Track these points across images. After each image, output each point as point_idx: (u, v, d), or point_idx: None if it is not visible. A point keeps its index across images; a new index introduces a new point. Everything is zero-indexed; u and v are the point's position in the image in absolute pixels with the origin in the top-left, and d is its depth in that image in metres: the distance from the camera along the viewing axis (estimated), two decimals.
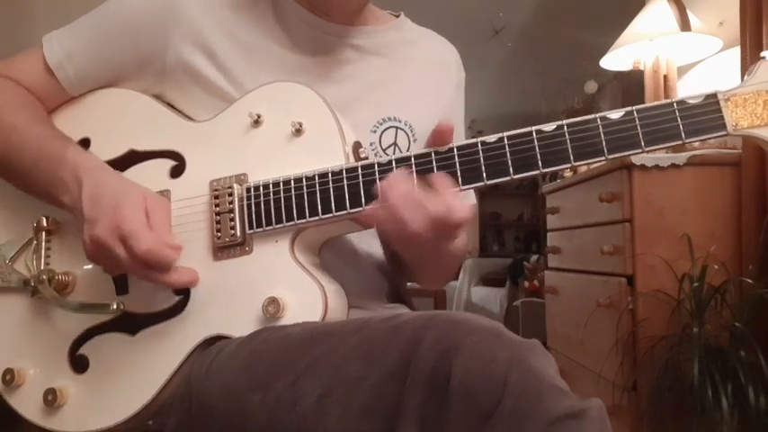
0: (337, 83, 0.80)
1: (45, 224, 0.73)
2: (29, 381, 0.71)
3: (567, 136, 0.61)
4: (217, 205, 0.69)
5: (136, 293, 0.70)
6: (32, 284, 0.71)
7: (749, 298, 1.39)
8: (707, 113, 0.59)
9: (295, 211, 0.66)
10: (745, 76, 0.60)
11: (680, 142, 0.60)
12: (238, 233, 0.67)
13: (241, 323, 0.65)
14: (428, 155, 0.64)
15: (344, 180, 0.65)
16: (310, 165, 0.67)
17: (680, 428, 1.36)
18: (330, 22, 0.80)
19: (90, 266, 0.72)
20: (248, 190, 0.68)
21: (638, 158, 1.52)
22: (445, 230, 0.61)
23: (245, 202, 0.68)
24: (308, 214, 0.66)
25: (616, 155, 0.60)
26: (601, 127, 0.60)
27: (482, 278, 5.24)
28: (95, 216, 0.64)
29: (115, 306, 0.67)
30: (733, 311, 1.39)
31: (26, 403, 0.70)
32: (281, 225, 0.67)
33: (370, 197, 0.64)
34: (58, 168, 0.69)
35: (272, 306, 0.64)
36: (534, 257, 4.21)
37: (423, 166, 0.64)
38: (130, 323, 0.69)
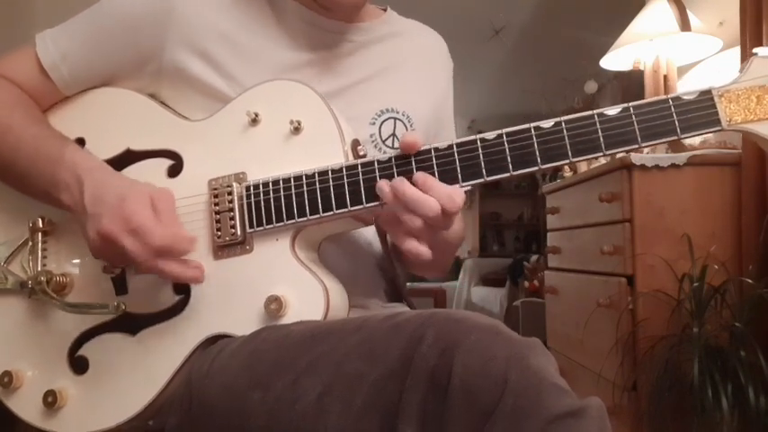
0: (335, 77, 0.80)
1: (41, 225, 0.73)
2: (27, 383, 0.70)
3: (565, 132, 0.61)
4: (216, 204, 0.69)
5: (135, 294, 0.70)
6: (30, 286, 0.71)
7: (749, 298, 1.39)
8: (702, 109, 0.60)
9: (296, 209, 0.66)
10: (738, 73, 0.61)
11: (675, 138, 0.60)
12: (239, 232, 0.67)
13: (243, 322, 0.65)
14: (428, 152, 0.64)
15: (345, 178, 0.65)
16: (309, 163, 0.67)
17: (680, 428, 1.36)
18: (329, 19, 0.80)
19: (87, 267, 0.72)
20: (248, 188, 0.68)
21: (638, 158, 1.52)
22: (443, 220, 0.62)
23: (244, 201, 0.68)
24: (308, 212, 0.66)
25: (613, 150, 0.61)
26: (598, 123, 0.61)
27: (482, 278, 5.25)
28: (100, 211, 0.64)
29: (115, 306, 0.67)
30: (733, 311, 1.39)
31: (25, 405, 0.70)
32: (281, 223, 0.66)
33: (371, 195, 0.64)
34: (56, 168, 0.68)
35: (275, 304, 0.63)
36: (534, 257, 4.21)
37: (422, 164, 0.64)
38: (130, 323, 0.69)
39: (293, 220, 0.66)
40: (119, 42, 0.76)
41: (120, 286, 0.70)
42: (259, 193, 0.68)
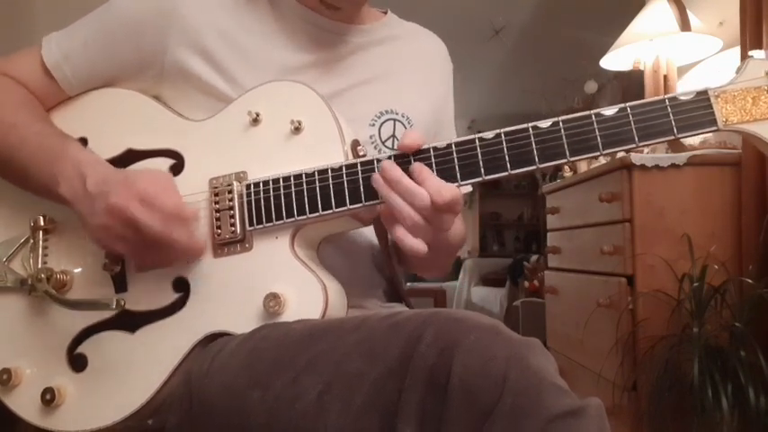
0: (336, 78, 0.80)
1: (42, 223, 0.73)
2: (26, 380, 0.70)
3: (563, 132, 0.62)
4: (216, 202, 0.69)
5: (134, 291, 0.70)
6: (30, 283, 0.71)
7: (749, 298, 1.39)
8: (698, 109, 0.61)
9: (295, 208, 0.66)
10: (734, 74, 0.62)
11: (672, 137, 0.61)
12: (238, 230, 0.68)
13: (242, 319, 0.65)
14: (426, 151, 0.65)
15: (344, 176, 0.66)
16: (309, 163, 0.67)
17: (680, 428, 1.36)
18: (330, 20, 0.81)
19: (88, 265, 0.72)
20: (248, 187, 0.68)
21: (638, 158, 1.52)
22: (437, 214, 0.62)
23: (244, 199, 0.68)
24: (308, 210, 0.66)
25: (611, 150, 0.62)
26: (595, 123, 0.62)
27: (482, 278, 5.25)
28: (106, 190, 0.64)
29: (116, 303, 0.67)
30: (733, 311, 1.39)
31: (23, 403, 0.70)
32: (281, 221, 0.67)
33: (370, 193, 0.64)
34: (57, 163, 0.68)
35: (273, 301, 0.64)
36: (534, 257, 4.21)
37: (422, 162, 0.64)
38: (130, 321, 0.69)
39: (293, 219, 0.66)
40: (121, 44, 0.77)
41: (120, 284, 0.70)
42: (259, 191, 0.68)
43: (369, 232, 0.82)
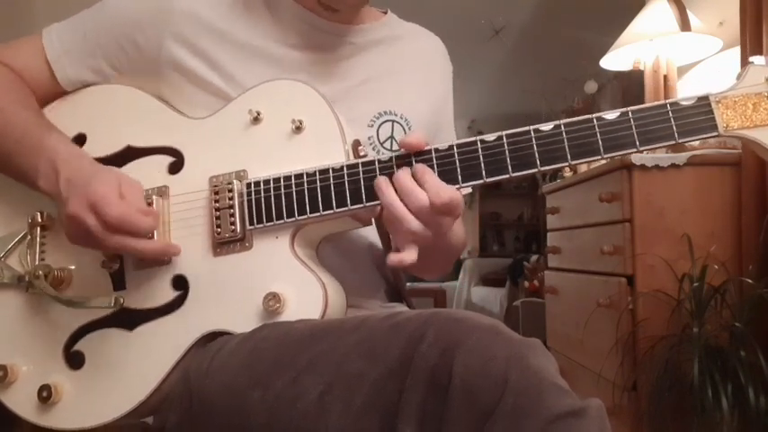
0: (334, 79, 0.80)
1: (40, 220, 0.73)
2: (22, 377, 0.70)
3: (565, 135, 0.62)
4: (216, 201, 0.69)
5: (133, 289, 0.70)
6: (27, 280, 0.71)
7: (749, 298, 1.38)
8: (699, 115, 0.62)
9: (296, 207, 0.66)
10: (735, 80, 0.63)
11: (673, 142, 0.62)
12: (238, 229, 0.67)
13: (241, 318, 0.65)
14: (428, 152, 0.65)
15: (345, 177, 0.66)
16: (310, 162, 0.67)
17: (680, 428, 1.36)
18: (328, 21, 0.80)
19: (85, 262, 0.72)
20: (248, 186, 0.68)
21: (637, 158, 1.52)
22: (435, 216, 0.62)
23: (245, 198, 0.68)
24: (308, 210, 0.66)
25: (612, 154, 0.62)
26: (597, 127, 0.62)
27: (482, 278, 5.24)
28: (68, 195, 0.65)
29: (114, 301, 0.67)
30: (733, 311, 1.39)
31: (20, 400, 0.70)
32: (281, 221, 0.67)
33: (371, 194, 0.64)
34: (36, 154, 0.69)
35: (273, 301, 0.64)
36: (534, 257, 4.21)
37: (423, 164, 0.64)
38: (128, 318, 0.69)
39: (293, 218, 0.66)
40: (119, 39, 0.77)
41: (119, 281, 0.70)
42: (260, 190, 0.68)
43: (368, 232, 0.82)
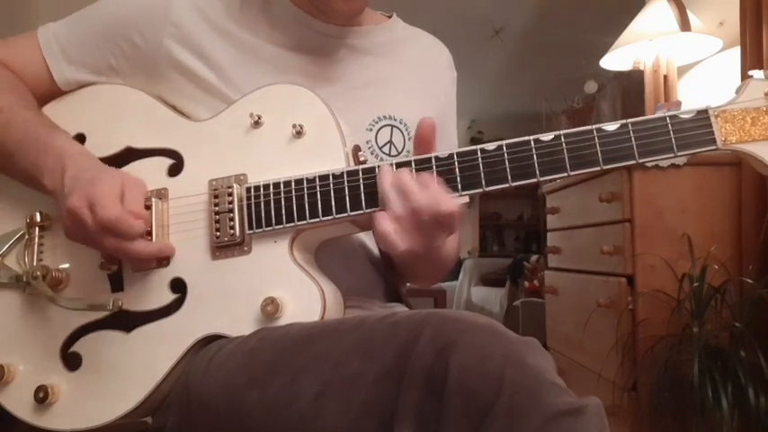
0: (332, 82, 0.80)
1: (38, 220, 0.73)
2: (19, 378, 0.70)
3: (565, 146, 0.63)
4: (216, 204, 0.69)
5: (131, 291, 0.70)
6: (25, 280, 0.71)
7: (749, 298, 1.38)
8: (698, 128, 0.62)
9: (295, 213, 0.66)
10: (735, 94, 0.63)
11: (672, 155, 0.62)
12: (237, 233, 0.67)
13: (238, 322, 0.65)
14: (428, 160, 0.65)
15: (345, 182, 0.65)
16: (310, 167, 0.67)
17: (680, 428, 1.36)
18: (326, 23, 0.80)
19: (84, 263, 0.71)
20: (248, 190, 0.68)
21: None
22: (433, 224, 0.61)
23: (244, 203, 0.68)
24: (308, 216, 0.66)
25: (611, 165, 0.62)
26: (597, 138, 0.63)
27: (482, 278, 5.24)
28: (71, 190, 0.64)
29: (112, 304, 0.67)
30: (733, 311, 1.39)
31: (16, 401, 0.69)
32: (281, 226, 0.67)
33: (371, 200, 0.64)
34: (42, 153, 0.69)
35: (271, 306, 0.64)
36: (534, 257, 4.21)
37: (423, 172, 0.64)
38: (125, 320, 0.69)
39: (293, 224, 0.66)
40: (117, 39, 0.77)
41: (117, 283, 0.70)
42: (260, 195, 0.68)
43: (366, 232, 0.82)
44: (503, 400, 0.46)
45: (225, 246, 0.68)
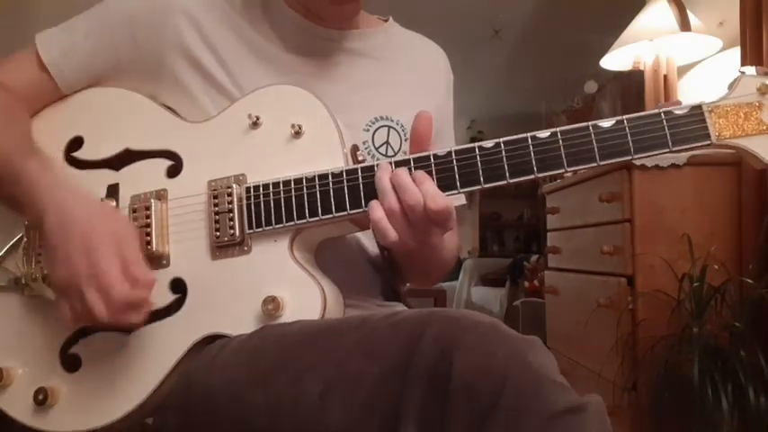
0: (330, 83, 0.81)
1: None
2: (18, 380, 0.70)
3: (561, 143, 0.63)
4: (216, 205, 0.69)
5: None
6: (24, 282, 0.71)
7: (749, 298, 1.38)
8: (692, 123, 0.63)
9: (295, 212, 0.66)
10: (727, 90, 0.64)
11: (667, 151, 0.63)
12: (237, 232, 0.68)
13: (239, 322, 0.65)
14: (427, 158, 0.65)
15: (344, 181, 0.66)
16: (309, 167, 0.67)
17: (680, 428, 1.36)
18: (322, 27, 0.81)
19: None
20: (248, 190, 0.68)
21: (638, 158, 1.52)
22: (426, 220, 0.62)
23: (244, 202, 0.68)
24: (307, 215, 0.66)
25: (607, 161, 0.63)
26: (593, 135, 0.63)
27: (482, 278, 5.24)
28: (66, 252, 0.61)
29: None
30: (733, 311, 1.39)
31: (15, 403, 0.69)
32: (280, 225, 0.67)
33: (370, 198, 0.64)
34: (14, 183, 0.66)
35: (271, 305, 0.64)
36: (534, 257, 4.21)
37: (422, 170, 0.64)
38: None
39: (292, 223, 0.66)
40: (118, 41, 0.77)
41: None
42: (259, 194, 0.68)
43: (365, 232, 0.82)
44: (505, 398, 0.46)
45: (225, 246, 0.68)
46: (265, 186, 0.68)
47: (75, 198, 0.66)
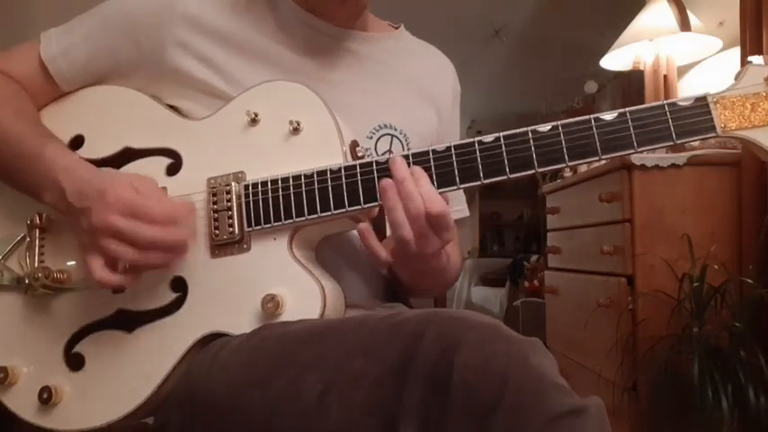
0: (335, 86, 0.80)
1: (38, 222, 0.73)
2: (23, 379, 0.70)
3: (563, 136, 0.62)
4: (215, 203, 0.69)
5: (132, 291, 0.69)
6: (27, 282, 0.71)
7: (749, 298, 1.38)
8: (697, 115, 0.61)
9: (294, 209, 0.66)
10: (734, 80, 0.62)
11: (671, 143, 0.61)
12: (236, 230, 0.67)
13: (239, 320, 0.65)
14: (426, 153, 0.65)
15: (343, 178, 0.65)
16: (308, 163, 0.67)
17: (680, 428, 1.36)
18: (329, 24, 0.80)
19: (85, 264, 0.71)
20: (246, 188, 0.68)
21: (637, 158, 1.52)
22: (428, 228, 0.62)
23: (243, 200, 0.68)
24: (306, 212, 0.66)
25: (610, 155, 0.62)
26: (595, 128, 0.62)
27: (482, 278, 5.25)
28: (87, 205, 0.64)
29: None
30: (733, 311, 1.39)
31: (20, 402, 0.70)
32: (279, 223, 0.67)
33: (369, 195, 0.64)
34: (34, 167, 0.68)
35: (271, 303, 0.64)
36: (534, 257, 4.21)
37: (420, 165, 0.64)
38: (127, 320, 0.69)
39: (291, 220, 0.66)
40: (120, 40, 0.77)
41: None
42: (258, 192, 0.68)
43: None
44: (506, 399, 0.46)
45: (224, 244, 0.68)
46: (264, 184, 0.68)
47: (91, 170, 0.68)
